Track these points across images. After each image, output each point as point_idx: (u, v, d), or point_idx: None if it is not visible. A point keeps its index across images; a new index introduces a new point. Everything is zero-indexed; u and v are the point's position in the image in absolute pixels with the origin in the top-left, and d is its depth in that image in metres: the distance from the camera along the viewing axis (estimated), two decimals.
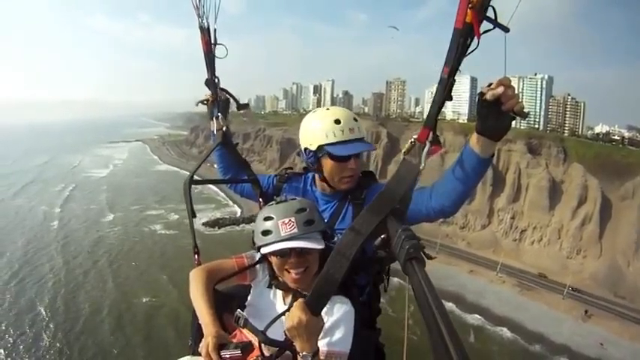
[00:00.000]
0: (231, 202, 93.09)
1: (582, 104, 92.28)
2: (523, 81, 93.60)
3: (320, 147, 2.55)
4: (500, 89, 1.61)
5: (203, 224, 79.13)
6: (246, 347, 1.90)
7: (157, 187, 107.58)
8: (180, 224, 76.71)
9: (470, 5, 1.35)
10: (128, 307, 50.41)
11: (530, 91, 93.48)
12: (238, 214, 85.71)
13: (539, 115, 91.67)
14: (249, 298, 2.38)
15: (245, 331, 2.08)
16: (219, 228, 79.13)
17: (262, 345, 1.96)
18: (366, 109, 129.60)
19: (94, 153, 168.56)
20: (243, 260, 2.39)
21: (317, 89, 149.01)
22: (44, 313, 48.97)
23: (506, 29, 1.39)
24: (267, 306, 2.26)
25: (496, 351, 45.61)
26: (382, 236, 1.68)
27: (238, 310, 2.06)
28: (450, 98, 1.50)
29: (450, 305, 53.13)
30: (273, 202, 2.17)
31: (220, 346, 1.88)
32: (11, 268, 60.85)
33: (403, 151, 1.67)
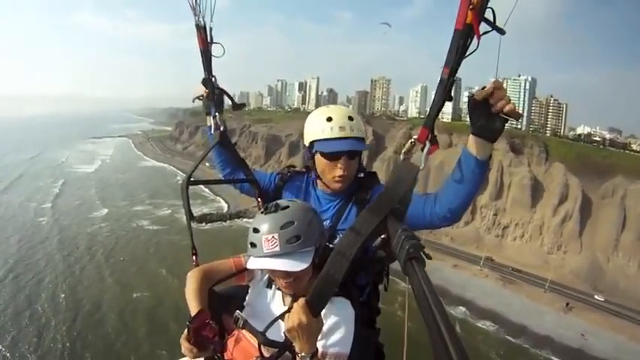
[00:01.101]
0: (218, 198, 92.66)
1: (564, 105, 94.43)
2: (507, 82, 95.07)
3: (311, 143, 2.57)
4: (490, 89, 1.64)
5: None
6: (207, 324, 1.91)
7: (145, 183, 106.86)
8: (172, 220, 76.90)
9: (470, 6, 1.36)
10: (128, 301, 50.31)
11: (514, 92, 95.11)
12: (225, 209, 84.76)
13: (522, 116, 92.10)
14: (247, 298, 2.33)
15: (244, 332, 2.08)
16: (206, 224, 77.85)
17: (262, 346, 1.96)
18: (351, 107, 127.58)
19: (79, 148, 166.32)
20: (241, 261, 2.34)
21: (302, 86, 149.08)
22: (43, 308, 48.71)
23: (502, 32, 1.42)
24: (266, 306, 2.23)
25: (481, 340, 46.64)
26: (382, 236, 1.72)
27: (237, 311, 2.11)
28: (450, 99, 1.53)
29: None
30: (264, 209, 2.04)
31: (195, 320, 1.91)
32: (5, 263, 60.10)
33: (403, 151, 1.69)
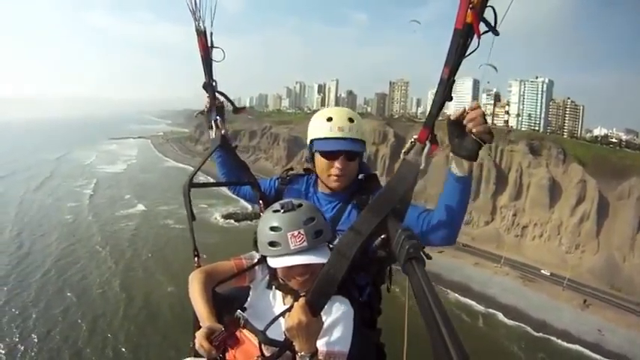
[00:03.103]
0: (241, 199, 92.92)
1: (581, 107, 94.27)
2: (524, 84, 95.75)
3: (311, 142, 2.64)
4: (462, 110, 1.88)
5: (222, 217, 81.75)
6: (230, 324, 1.99)
7: (168, 183, 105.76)
8: (198, 220, 77.30)
9: (470, 6, 1.38)
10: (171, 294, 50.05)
11: (532, 94, 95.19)
12: (250, 209, 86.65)
13: (540, 118, 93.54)
14: (248, 299, 2.34)
15: (245, 331, 2.09)
16: (236, 221, 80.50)
17: (262, 345, 1.97)
18: (369, 109, 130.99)
19: (102, 149, 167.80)
20: (242, 262, 2.38)
21: (321, 88, 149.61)
22: (94, 301, 49.53)
23: (496, 33, 1.44)
24: (267, 306, 2.24)
25: (503, 334, 48.02)
26: (382, 236, 1.77)
27: (238, 310, 2.15)
28: (450, 99, 1.58)
29: (455, 295, 56.21)
30: (279, 208, 2.08)
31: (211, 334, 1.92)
32: (55, 263, 60.17)
33: (403, 151, 1.77)
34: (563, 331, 49.11)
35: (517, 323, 50.78)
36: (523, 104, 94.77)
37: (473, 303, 54.90)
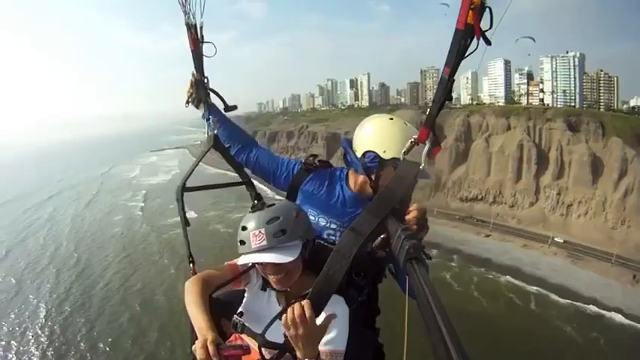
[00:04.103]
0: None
1: (615, 79, 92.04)
2: (555, 60, 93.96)
3: (394, 158, 2.42)
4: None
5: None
6: (247, 348, 1.85)
7: (211, 190, 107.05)
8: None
9: (471, 6, 1.41)
10: None
11: (564, 70, 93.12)
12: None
13: (575, 93, 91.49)
14: (244, 302, 2.35)
15: (243, 336, 2.14)
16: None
17: (262, 348, 1.97)
18: (403, 100, 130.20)
19: (144, 162, 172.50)
20: (237, 266, 2.36)
21: (353, 83, 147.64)
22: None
23: (488, 42, 1.47)
24: (263, 309, 2.25)
25: (555, 315, 48.12)
26: (382, 236, 1.88)
27: (235, 316, 2.21)
28: (450, 98, 1.61)
29: (507, 278, 56.89)
30: (255, 206, 2.19)
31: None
32: (114, 274, 62.00)
33: (403, 151, 1.84)
34: (614, 308, 48.99)
35: (568, 301, 50.99)
36: (556, 81, 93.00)
37: (523, 285, 55.31)
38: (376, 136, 2.54)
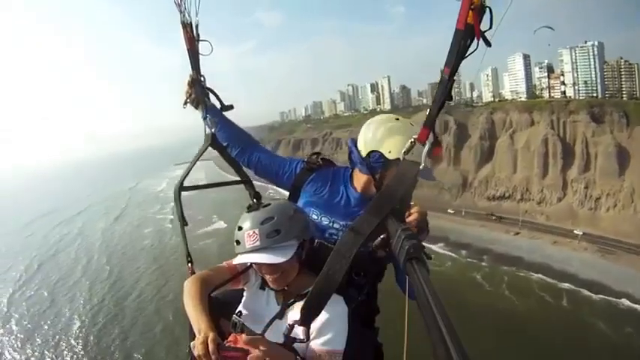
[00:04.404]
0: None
1: (636, 66, 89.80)
2: (575, 51, 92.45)
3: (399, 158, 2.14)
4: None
5: None
6: (248, 351, 1.76)
7: (237, 200, 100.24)
8: None
9: (472, 7, 1.42)
10: None
11: (583, 60, 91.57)
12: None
13: (596, 83, 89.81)
14: (242, 302, 2.37)
15: (243, 336, 1.95)
16: None
17: None
18: (425, 101, 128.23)
19: (170, 175, 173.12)
20: (235, 265, 2.36)
21: (374, 87, 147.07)
22: None
23: (488, 44, 1.48)
24: (262, 308, 2.27)
25: (588, 311, 47.49)
26: (382, 236, 1.88)
27: (234, 315, 2.21)
28: (451, 98, 1.63)
29: (538, 276, 56.48)
30: (251, 206, 2.20)
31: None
32: (145, 286, 63.07)
33: (403, 151, 1.83)
34: None
35: (600, 296, 50.35)
36: (577, 72, 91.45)
37: (555, 282, 54.83)
38: (381, 136, 2.57)
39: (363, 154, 2.60)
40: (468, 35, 1.45)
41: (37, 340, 50.34)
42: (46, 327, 53.13)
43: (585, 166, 77.43)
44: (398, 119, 2.65)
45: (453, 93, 1.61)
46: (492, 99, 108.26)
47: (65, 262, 78.63)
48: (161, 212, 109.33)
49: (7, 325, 55.34)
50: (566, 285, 54.11)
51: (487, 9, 1.43)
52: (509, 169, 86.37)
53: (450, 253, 66.77)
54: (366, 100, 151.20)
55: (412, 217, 1.96)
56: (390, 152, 2.48)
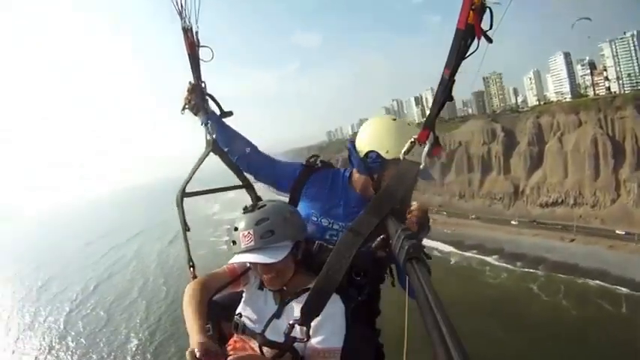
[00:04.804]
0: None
1: None
2: (614, 44, 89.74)
3: (396, 158, 2.26)
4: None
5: None
6: (225, 355, 1.87)
7: None
8: None
9: (472, 7, 1.42)
10: None
11: (625, 52, 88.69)
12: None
13: None
14: (242, 303, 2.38)
15: (244, 336, 2.19)
16: None
17: (262, 347, 2.05)
18: (470, 110, 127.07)
19: (222, 199, 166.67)
20: (235, 268, 2.41)
21: (418, 100, 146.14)
22: None
23: (489, 40, 1.49)
24: (261, 308, 2.29)
25: None
26: (382, 236, 1.92)
27: (235, 317, 2.25)
28: (451, 99, 1.61)
29: (596, 282, 55.27)
30: (247, 208, 2.24)
31: (206, 352, 1.78)
32: None
33: (403, 151, 1.82)
34: None
35: None
36: (619, 65, 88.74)
37: (613, 287, 53.18)
38: (379, 136, 2.60)
39: (362, 154, 2.65)
40: (468, 35, 1.50)
41: (93, 356, 54.26)
42: (101, 344, 57.05)
43: (637, 164, 75.16)
44: (395, 119, 2.73)
45: (453, 93, 1.65)
46: (537, 102, 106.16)
47: (121, 284, 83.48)
48: (214, 235, 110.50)
49: (64, 342, 59.71)
50: (624, 290, 52.63)
51: (487, 9, 1.47)
52: (560, 174, 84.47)
53: (505, 265, 66.59)
54: (412, 113, 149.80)
55: (413, 213, 2.04)
56: (387, 152, 2.54)
